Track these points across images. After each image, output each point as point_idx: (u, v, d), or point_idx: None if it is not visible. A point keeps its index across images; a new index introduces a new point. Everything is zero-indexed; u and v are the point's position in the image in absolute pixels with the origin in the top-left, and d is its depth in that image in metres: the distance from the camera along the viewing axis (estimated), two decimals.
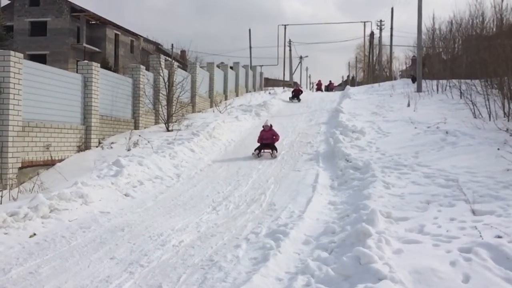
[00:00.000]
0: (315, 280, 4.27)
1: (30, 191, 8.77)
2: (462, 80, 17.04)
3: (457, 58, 24.62)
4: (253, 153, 11.96)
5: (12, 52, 9.32)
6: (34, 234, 6.14)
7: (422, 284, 3.80)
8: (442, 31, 27.82)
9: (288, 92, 28.14)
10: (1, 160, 8.99)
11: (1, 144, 9.02)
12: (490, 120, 12.02)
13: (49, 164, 10.33)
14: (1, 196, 7.93)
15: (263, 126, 12.78)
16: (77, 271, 4.93)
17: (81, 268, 5.02)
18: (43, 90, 10.27)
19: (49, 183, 9.16)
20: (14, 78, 9.21)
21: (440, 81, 21.14)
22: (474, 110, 13.01)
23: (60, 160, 10.67)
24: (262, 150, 12.03)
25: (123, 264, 5.11)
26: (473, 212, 5.73)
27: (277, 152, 12.01)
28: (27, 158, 9.66)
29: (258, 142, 12.31)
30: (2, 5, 29.57)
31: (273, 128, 12.75)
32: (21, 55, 9.61)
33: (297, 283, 4.28)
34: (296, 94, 25.44)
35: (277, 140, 12.42)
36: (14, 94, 9.20)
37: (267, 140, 12.19)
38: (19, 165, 9.37)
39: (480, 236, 4.69)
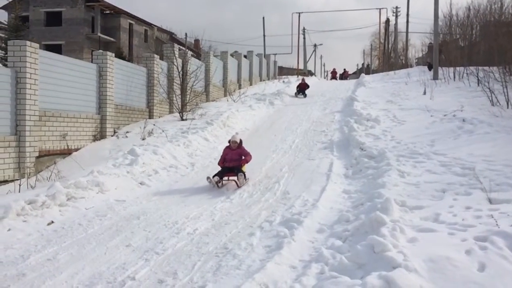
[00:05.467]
0: (329, 268, 4.28)
1: (47, 179, 8.91)
2: (480, 67, 16.77)
3: (474, 45, 24.23)
4: (209, 180, 8.17)
5: (28, 42, 9.42)
6: (52, 222, 6.25)
7: (437, 273, 3.78)
8: (460, 17, 27.46)
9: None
10: (19, 149, 9.13)
11: (19, 134, 9.16)
12: (508, 107, 11.82)
13: (66, 153, 10.47)
14: (20, 185, 8.08)
15: (229, 141, 8.89)
16: (94, 258, 5.02)
17: (98, 255, 5.10)
18: (59, 79, 10.38)
19: (65, 172, 9.29)
20: (30, 68, 9.31)
21: (457, 68, 20.83)
22: (491, 98, 12.81)
23: (76, 149, 10.80)
24: (226, 178, 8.32)
25: (139, 252, 5.18)
26: (490, 201, 5.66)
27: (245, 179, 8.35)
28: (44, 147, 9.80)
29: (219, 164, 8.70)
30: None
31: (243, 145, 8.95)
32: (37, 45, 9.71)
33: (311, 271, 4.30)
34: (302, 89, 22.47)
35: (247, 162, 8.64)
36: (30, 84, 9.31)
37: (232, 163, 8.46)
38: (37, 154, 9.51)
39: (497, 224, 4.63)
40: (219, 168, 8.60)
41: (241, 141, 8.87)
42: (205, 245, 5.34)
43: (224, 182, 8.28)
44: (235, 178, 8.20)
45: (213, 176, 8.18)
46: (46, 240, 5.59)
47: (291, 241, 5.09)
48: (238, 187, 8.08)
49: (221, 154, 8.85)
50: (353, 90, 22.24)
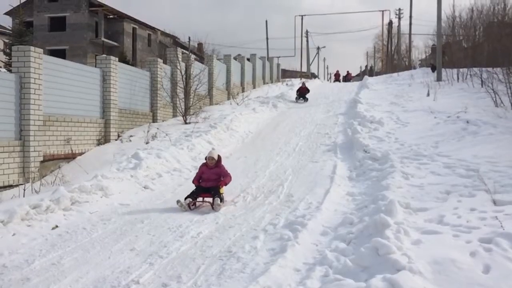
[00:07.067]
0: (333, 271, 4.28)
1: (51, 184, 8.94)
2: (483, 68, 16.72)
3: (478, 46, 24.20)
4: (179, 204, 7.02)
5: (32, 48, 9.47)
6: (56, 226, 6.26)
7: (442, 275, 3.77)
8: (463, 18, 27.45)
9: (307, 83, 27.25)
10: (23, 154, 9.17)
11: (23, 138, 9.20)
12: None
13: (70, 157, 10.50)
14: (24, 189, 8.11)
15: (205, 158, 7.71)
16: (98, 262, 5.02)
17: (102, 259, 5.10)
18: (63, 84, 10.42)
19: (70, 176, 9.32)
20: (34, 73, 9.36)
21: (461, 69, 20.79)
22: (495, 99, 12.77)
23: (81, 154, 10.84)
24: (202, 198, 7.32)
25: (143, 255, 5.18)
26: (494, 202, 5.64)
27: (222, 201, 7.24)
28: (48, 151, 9.83)
29: (193, 183, 7.61)
30: (22, 1, 30.01)
31: (223, 163, 7.82)
32: (41, 50, 9.76)
33: (315, 274, 4.29)
34: (302, 94, 21.77)
35: (226, 183, 7.53)
36: (34, 89, 9.36)
37: (209, 182, 7.38)
38: (41, 158, 9.55)
39: (501, 226, 4.62)
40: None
41: (219, 157, 7.69)
42: (209, 249, 5.34)
43: (198, 203, 7.29)
44: (210, 199, 7.17)
45: (185, 198, 7.10)
46: (50, 245, 5.60)
47: (295, 244, 5.08)
48: (214, 210, 7.00)
49: (197, 171, 7.79)
50: (356, 92, 22.22)
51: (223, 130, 13.46)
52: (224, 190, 7.49)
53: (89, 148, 11.20)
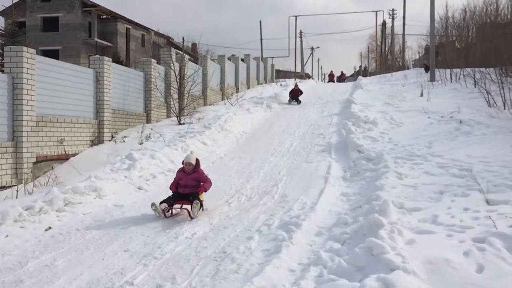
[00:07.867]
0: (328, 271, 4.28)
1: (45, 185, 8.89)
2: (476, 69, 16.81)
3: (471, 46, 24.36)
4: (153, 208, 6.57)
5: (24, 48, 9.42)
6: (50, 228, 6.23)
7: (435, 275, 3.78)
8: (456, 19, 27.65)
9: (300, 84, 27.22)
10: (16, 155, 9.12)
11: (16, 139, 9.14)
12: (505, 108, 11.85)
13: (63, 158, 10.45)
14: (17, 191, 8.05)
15: (182, 163, 7.15)
16: (92, 264, 5.00)
17: (96, 261, 5.08)
18: (56, 85, 10.37)
19: (63, 177, 9.27)
20: (27, 73, 9.31)
21: (454, 70, 20.91)
22: (488, 99, 12.84)
23: (74, 155, 10.79)
24: (179, 205, 6.77)
25: (137, 257, 5.16)
26: (487, 202, 5.67)
27: (202, 209, 6.80)
28: (41, 152, 9.78)
29: (170, 189, 7.03)
30: (14, 1, 29.84)
31: (201, 167, 7.27)
32: (34, 50, 9.70)
33: (309, 274, 4.29)
34: (295, 96, 21.26)
35: (205, 190, 6.95)
36: (27, 89, 9.30)
37: (187, 189, 6.85)
38: (34, 159, 9.49)
39: (494, 225, 4.64)
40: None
41: (198, 162, 7.11)
42: (203, 250, 5.33)
43: (174, 210, 6.77)
44: (188, 207, 6.60)
45: (161, 203, 6.62)
46: (43, 246, 5.57)
47: (290, 245, 5.08)
48: (191, 218, 6.50)
49: (174, 176, 7.19)
50: (350, 92, 22.28)
51: (218, 130, 13.44)
52: (204, 197, 6.97)
53: (82, 149, 11.15)
